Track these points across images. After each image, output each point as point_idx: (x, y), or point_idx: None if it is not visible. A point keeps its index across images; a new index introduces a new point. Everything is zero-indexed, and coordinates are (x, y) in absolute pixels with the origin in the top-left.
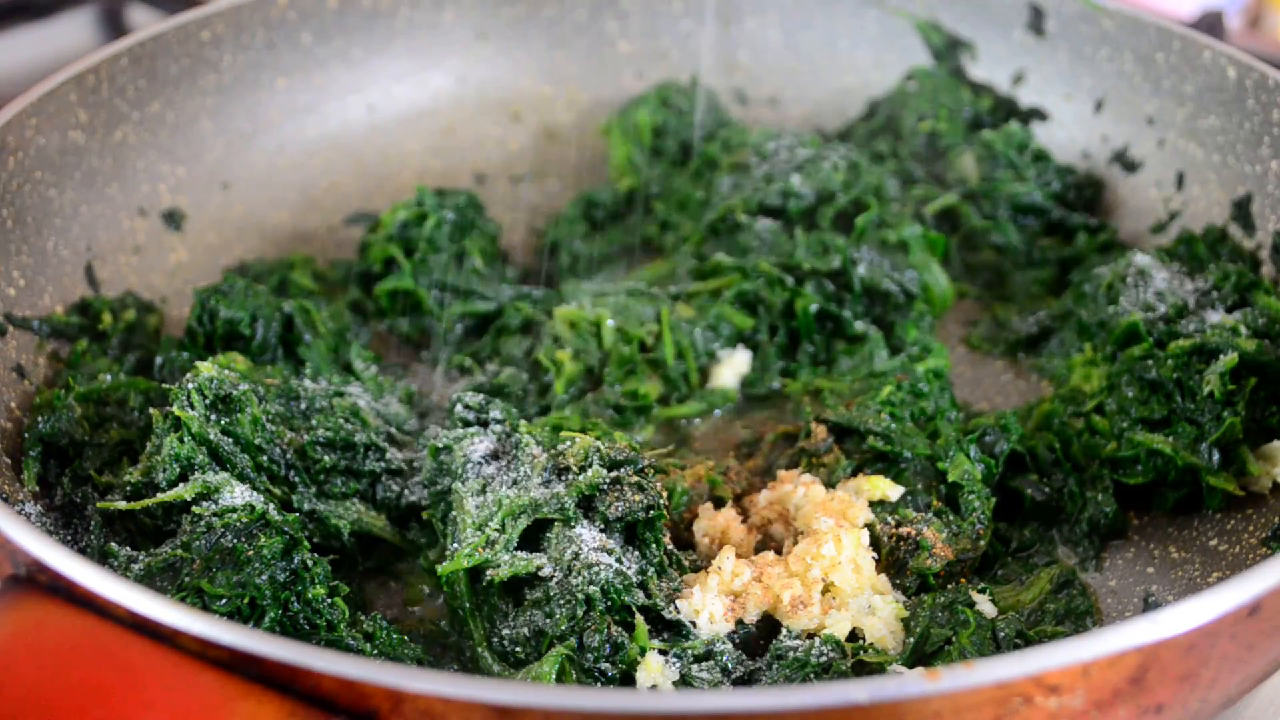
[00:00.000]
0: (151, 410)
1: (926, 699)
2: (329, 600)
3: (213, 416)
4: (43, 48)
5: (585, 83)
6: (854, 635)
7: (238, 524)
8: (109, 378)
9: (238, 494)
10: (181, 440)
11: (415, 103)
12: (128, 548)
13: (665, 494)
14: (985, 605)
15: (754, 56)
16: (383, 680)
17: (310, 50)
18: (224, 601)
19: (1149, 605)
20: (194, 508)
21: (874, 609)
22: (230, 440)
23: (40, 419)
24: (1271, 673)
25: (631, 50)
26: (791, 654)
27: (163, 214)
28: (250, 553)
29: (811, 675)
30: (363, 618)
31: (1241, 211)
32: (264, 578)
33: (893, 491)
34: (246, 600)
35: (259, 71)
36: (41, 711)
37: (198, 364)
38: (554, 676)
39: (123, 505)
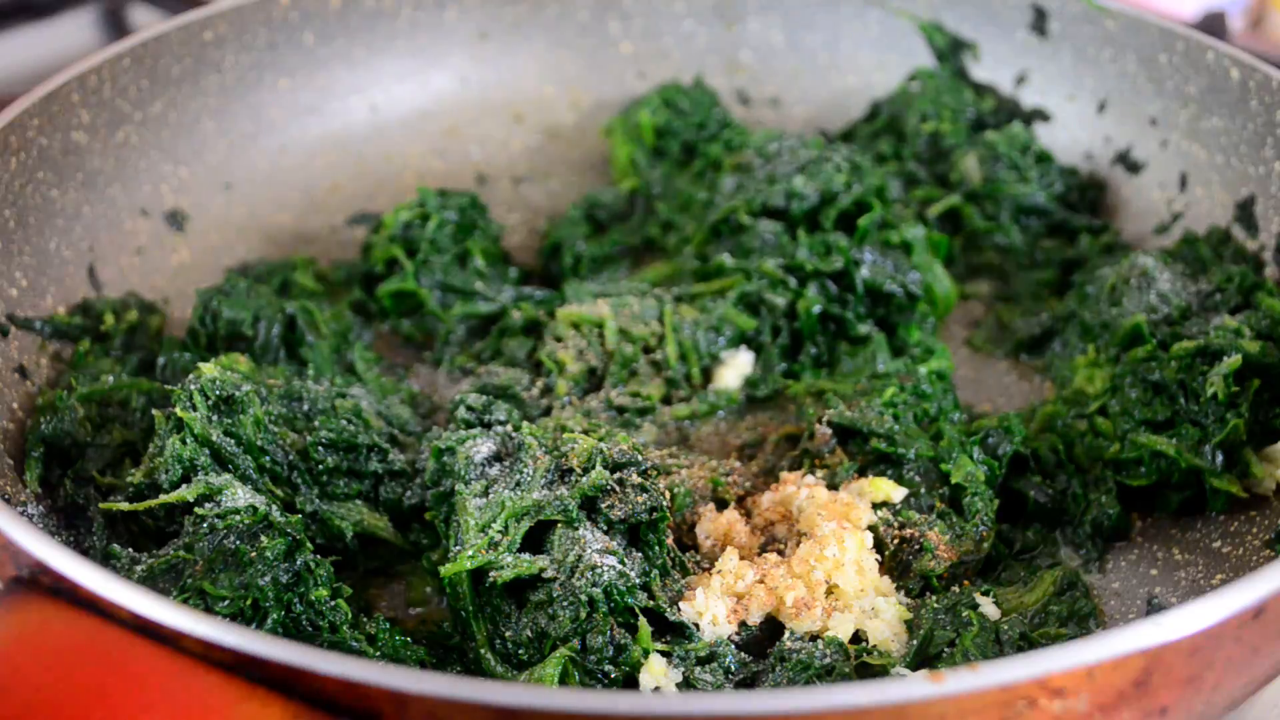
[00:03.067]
0: (154, 411)
1: (930, 702)
2: (332, 602)
3: (215, 418)
4: (44, 48)
5: (588, 83)
6: (857, 637)
7: (240, 525)
8: (111, 379)
9: (240, 495)
10: (184, 441)
11: (417, 103)
12: (130, 549)
13: (668, 495)
14: (988, 607)
15: (756, 57)
16: (386, 683)
17: (312, 50)
18: (226, 603)
19: (1153, 608)
20: (196, 509)
21: (877, 611)
22: (233, 441)
23: (43, 420)
24: (1275, 675)
25: (634, 51)
26: (795, 656)
27: (165, 214)
28: (253, 554)
29: (815, 678)
30: (365, 619)
31: (1245, 213)
32: (266, 579)
33: (896, 493)
34: (249, 602)
35: (261, 72)
36: (44, 713)
37: (200, 365)
38: (557, 679)
39: (125, 506)
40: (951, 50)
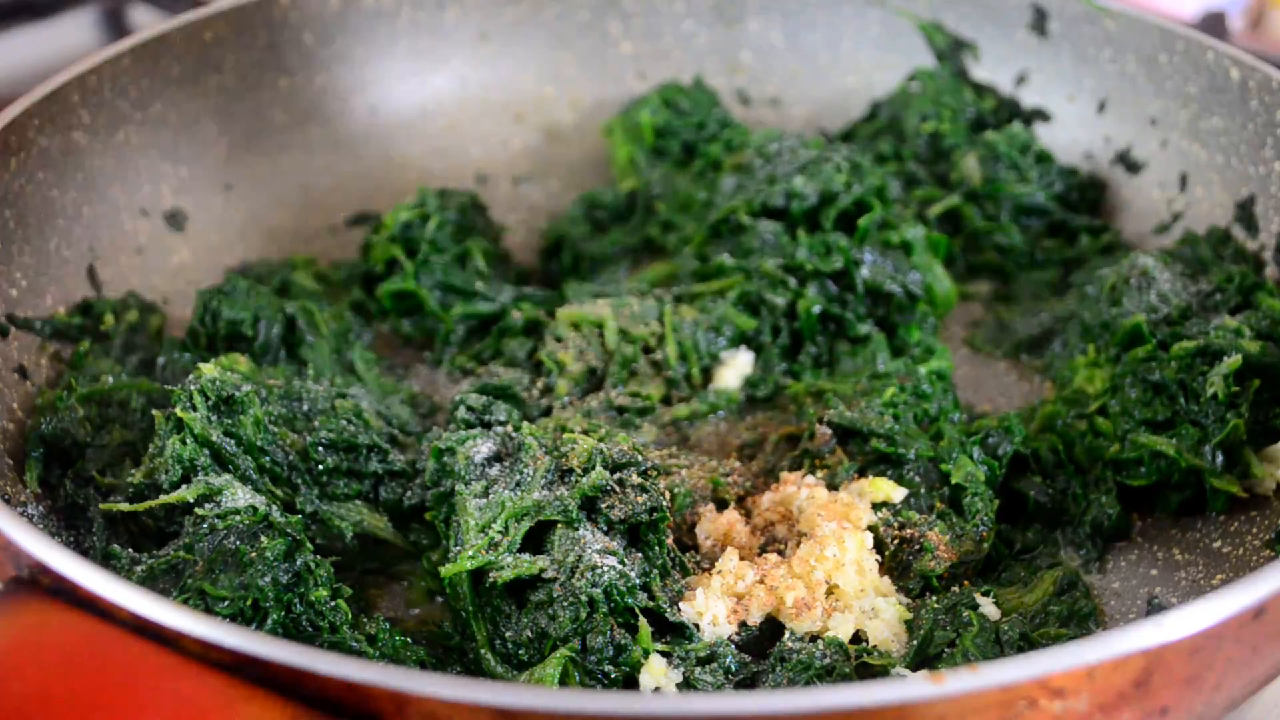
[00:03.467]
0: (154, 411)
1: (930, 702)
2: (332, 602)
3: (215, 418)
4: (44, 48)
5: (587, 83)
6: (857, 638)
7: (240, 526)
8: (111, 379)
9: (240, 496)
10: (184, 442)
11: (417, 103)
12: (130, 549)
13: (668, 495)
14: (988, 607)
15: (756, 57)
16: (386, 683)
17: (312, 51)
18: (226, 603)
19: (1153, 608)
20: (197, 509)
21: (877, 611)
22: (233, 442)
23: (42, 420)
24: (1276, 675)
25: (634, 51)
26: (795, 656)
27: (165, 215)
28: (253, 554)
29: (815, 678)
30: (365, 620)
31: (1245, 213)
32: (266, 579)
33: (896, 493)
34: (249, 602)
35: (261, 72)
36: (44, 713)
37: (200, 365)
38: (557, 679)
39: (125, 507)
40: (951, 50)
